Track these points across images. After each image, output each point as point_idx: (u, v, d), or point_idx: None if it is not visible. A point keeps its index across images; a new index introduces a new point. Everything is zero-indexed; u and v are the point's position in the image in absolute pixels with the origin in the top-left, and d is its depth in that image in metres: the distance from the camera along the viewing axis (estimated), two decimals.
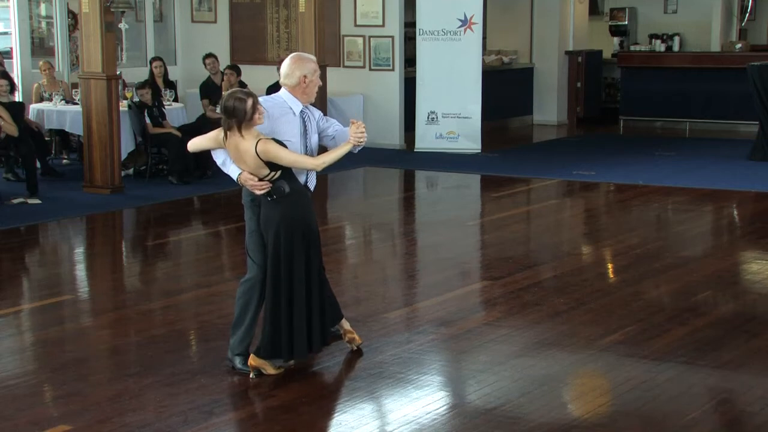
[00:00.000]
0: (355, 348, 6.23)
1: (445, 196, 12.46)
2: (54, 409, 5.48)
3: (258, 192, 5.81)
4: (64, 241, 10.10)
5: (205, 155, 12.50)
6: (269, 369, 5.87)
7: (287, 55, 6.22)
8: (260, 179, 5.79)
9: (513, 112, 17.94)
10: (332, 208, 11.55)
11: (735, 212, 11.23)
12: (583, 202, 11.84)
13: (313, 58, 6.13)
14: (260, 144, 5.70)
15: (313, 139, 6.05)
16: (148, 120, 12.14)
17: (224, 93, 5.92)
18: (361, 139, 5.85)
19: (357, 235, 10.12)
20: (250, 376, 5.84)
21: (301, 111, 5.98)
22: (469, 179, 13.08)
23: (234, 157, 5.83)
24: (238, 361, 5.96)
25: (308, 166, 5.87)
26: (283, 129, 5.91)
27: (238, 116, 5.68)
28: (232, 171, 5.87)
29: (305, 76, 5.93)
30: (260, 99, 5.89)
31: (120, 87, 12.13)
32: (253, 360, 5.86)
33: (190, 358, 6.29)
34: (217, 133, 5.88)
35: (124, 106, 12.17)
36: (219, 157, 5.97)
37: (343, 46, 14.98)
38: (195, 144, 6.05)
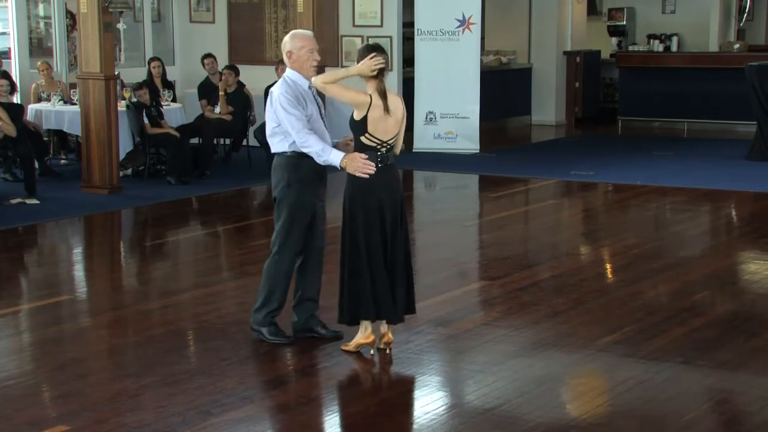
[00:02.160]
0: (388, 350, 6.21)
1: (444, 197, 12.46)
2: (52, 410, 5.48)
3: (369, 171, 5.92)
4: (63, 242, 10.10)
5: (205, 155, 12.59)
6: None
7: None
8: (381, 144, 5.97)
9: (511, 112, 17.94)
10: (331, 208, 11.51)
11: (733, 212, 11.24)
12: (581, 202, 11.84)
13: (307, 34, 6.34)
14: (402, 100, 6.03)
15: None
16: (146, 120, 12.14)
17: (364, 50, 6.01)
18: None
19: None
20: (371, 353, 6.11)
21: (309, 86, 6.21)
22: (467, 179, 13.08)
23: (380, 116, 5.89)
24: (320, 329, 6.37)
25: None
26: (307, 106, 6.12)
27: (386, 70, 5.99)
28: (335, 156, 5.96)
29: (291, 52, 6.18)
30: (282, 89, 6.11)
31: (118, 87, 12.13)
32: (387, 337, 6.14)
33: (188, 359, 6.29)
34: (361, 95, 5.91)
35: (122, 106, 12.17)
36: (317, 144, 6.00)
37: (341, 46, 14.98)
38: (336, 91, 5.96)
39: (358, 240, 6.01)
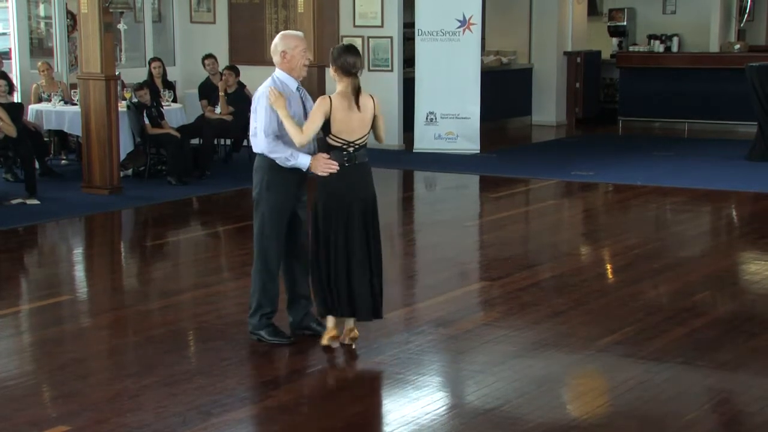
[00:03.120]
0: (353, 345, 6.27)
1: (444, 197, 12.46)
2: (52, 410, 5.48)
3: (332, 170, 6.02)
4: (63, 242, 10.10)
5: (205, 156, 12.58)
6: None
7: None
8: (348, 144, 6.06)
9: (512, 112, 17.94)
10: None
11: (733, 212, 11.24)
12: (581, 202, 11.84)
13: (299, 34, 6.41)
14: (376, 97, 6.13)
15: None
16: (146, 120, 12.14)
17: (336, 51, 6.11)
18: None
19: None
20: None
21: (297, 87, 6.26)
22: (467, 180, 13.08)
23: (344, 117, 5.97)
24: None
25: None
26: (292, 107, 6.08)
27: (360, 69, 6.07)
28: (303, 159, 6.05)
29: (285, 52, 6.23)
30: (266, 83, 6.20)
31: (119, 87, 12.13)
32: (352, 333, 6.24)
33: (188, 359, 6.30)
34: (322, 107, 5.98)
35: (122, 106, 12.18)
36: (284, 150, 6.08)
37: None
38: (311, 132, 6.04)
39: (319, 239, 6.13)
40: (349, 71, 6.01)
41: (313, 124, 6.02)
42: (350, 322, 6.24)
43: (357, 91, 6.02)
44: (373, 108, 6.12)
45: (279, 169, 6.18)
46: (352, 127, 6.04)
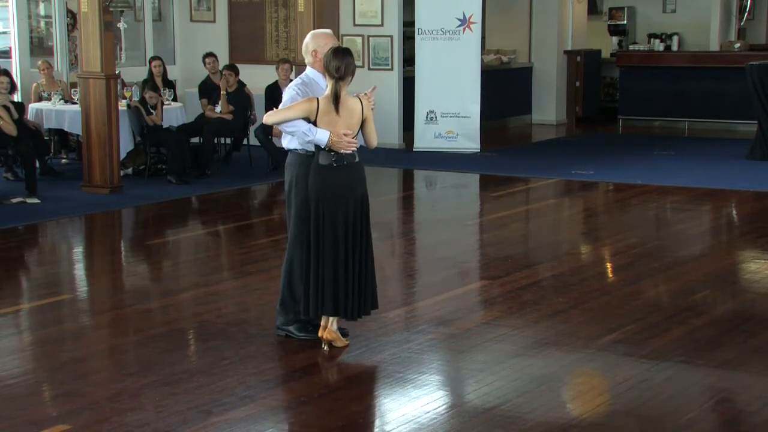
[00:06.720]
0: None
1: (444, 196, 12.46)
2: (53, 409, 5.48)
3: (352, 148, 6.04)
4: (63, 241, 10.10)
5: (205, 155, 12.59)
6: (339, 342, 6.21)
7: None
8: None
9: (512, 111, 17.94)
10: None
11: (733, 212, 11.24)
12: (581, 201, 11.84)
13: (328, 32, 6.43)
14: (364, 100, 6.09)
15: None
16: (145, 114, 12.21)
17: (328, 53, 6.06)
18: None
19: None
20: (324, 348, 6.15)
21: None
22: (467, 179, 13.08)
23: (330, 120, 5.98)
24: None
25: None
26: None
27: (353, 72, 6.02)
28: (321, 135, 6.00)
29: (315, 51, 6.25)
30: (294, 81, 6.27)
31: (119, 86, 12.14)
32: (328, 333, 6.13)
33: (188, 358, 6.30)
34: (307, 103, 6.01)
35: (122, 105, 12.19)
36: (303, 124, 6.03)
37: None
38: (280, 117, 6.08)
39: (309, 238, 6.12)
40: (333, 74, 6.00)
41: (287, 112, 6.05)
42: (331, 322, 6.19)
43: (335, 96, 6.00)
44: (361, 112, 6.08)
45: (307, 165, 6.19)
46: (337, 130, 6.01)
